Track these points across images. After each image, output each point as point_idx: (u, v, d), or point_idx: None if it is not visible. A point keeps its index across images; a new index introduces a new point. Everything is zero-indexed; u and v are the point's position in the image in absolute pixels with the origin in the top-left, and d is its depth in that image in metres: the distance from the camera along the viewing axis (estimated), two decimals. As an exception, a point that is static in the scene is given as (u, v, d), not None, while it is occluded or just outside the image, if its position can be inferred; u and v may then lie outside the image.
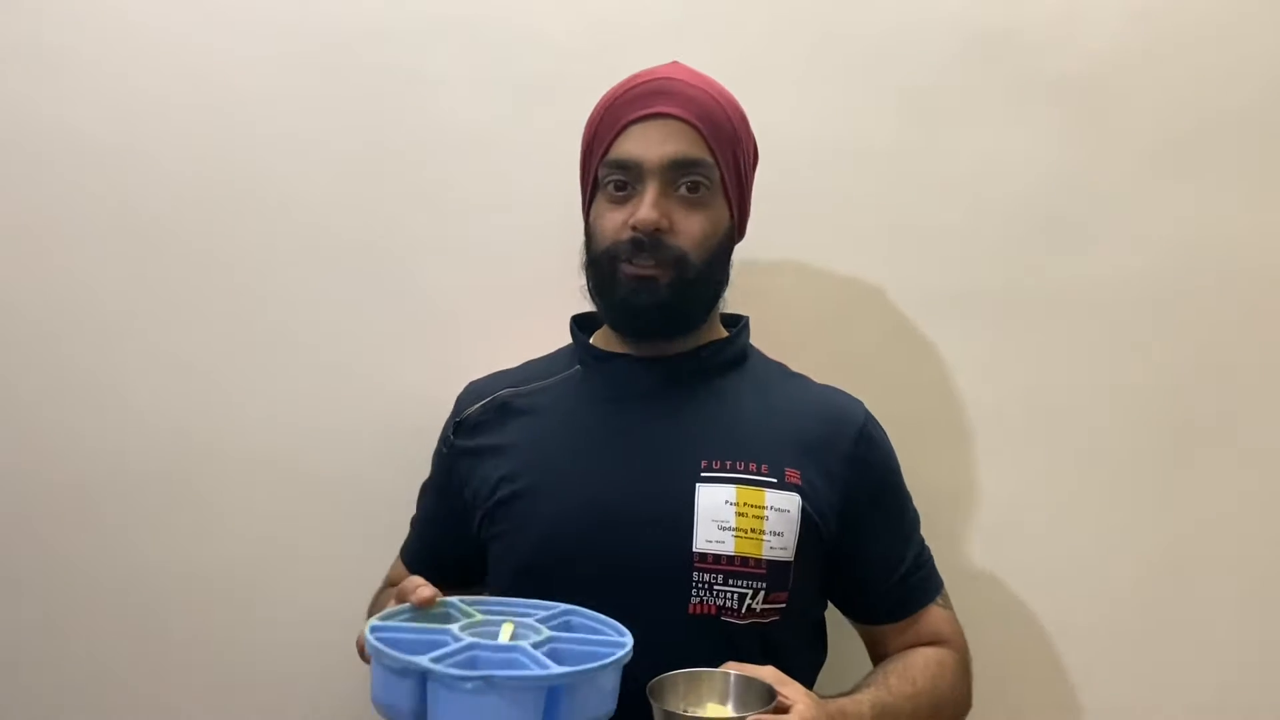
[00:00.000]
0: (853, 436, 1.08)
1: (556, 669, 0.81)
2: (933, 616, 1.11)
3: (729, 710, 0.89)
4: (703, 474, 1.02)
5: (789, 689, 0.90)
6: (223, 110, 1.31)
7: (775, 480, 1.03)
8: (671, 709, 0.86)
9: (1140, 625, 1.30)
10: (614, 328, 1.10)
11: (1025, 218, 1.30)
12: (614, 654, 0.84)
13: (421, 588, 0.93)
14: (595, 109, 1.08)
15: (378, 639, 0.83)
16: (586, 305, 1.11)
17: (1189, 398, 1.29)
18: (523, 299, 1.32)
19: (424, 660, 0.79)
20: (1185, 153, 1.28)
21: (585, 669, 0.81)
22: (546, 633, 0.89)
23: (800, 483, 1.03)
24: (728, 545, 1.00)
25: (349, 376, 1.33)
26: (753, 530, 1.00)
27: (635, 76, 1.07)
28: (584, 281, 1.09)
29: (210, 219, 1.32)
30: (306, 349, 1.33)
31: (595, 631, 0.93)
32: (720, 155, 1.04)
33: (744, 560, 1.00)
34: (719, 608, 0.99)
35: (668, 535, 1.00)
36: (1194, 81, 1.28)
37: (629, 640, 0.88)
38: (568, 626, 0.94)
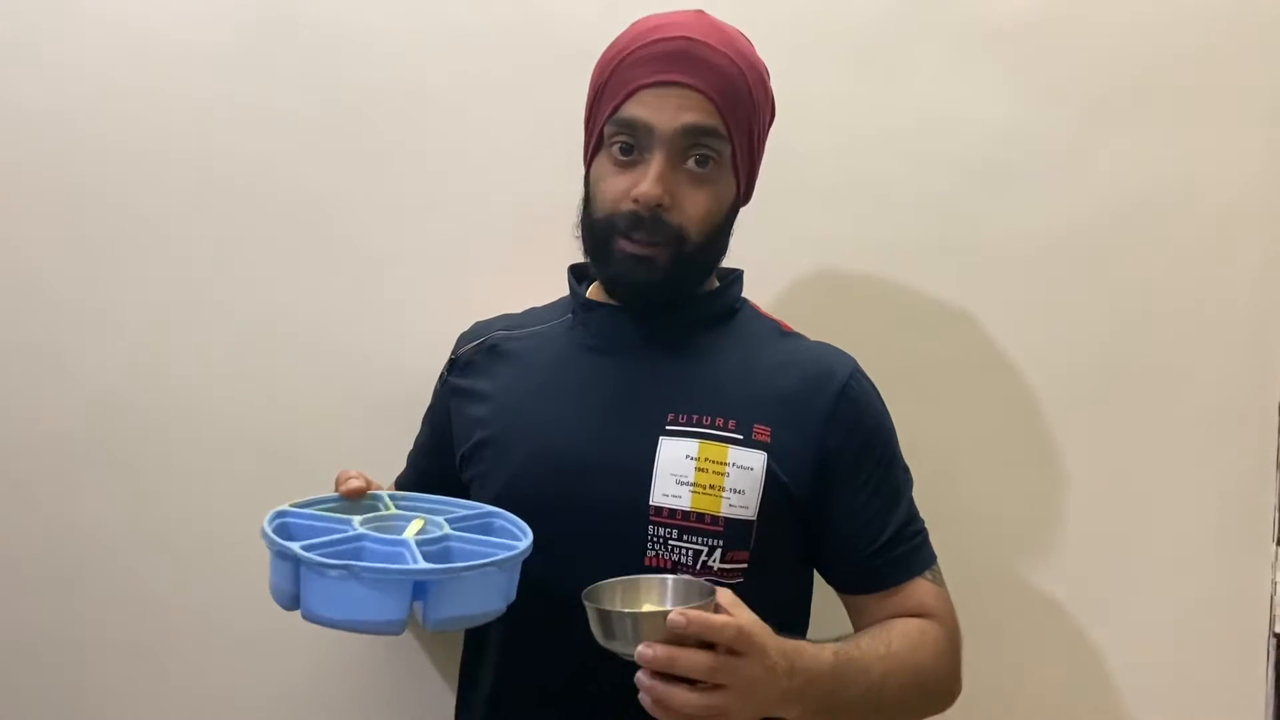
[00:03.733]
0: (834, 393, 1.03)
1: (419, 565, 0.84)
2: (918, 589, 1.03)
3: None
4: (667, 427, 1.01)
5: (740, 611, 0.85)
6: (161, 71, 1.30)
7: (741, 437, 1.00)
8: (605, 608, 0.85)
9: (1075, 569, 1.31)
10: (611, 296, 1.08)
11: (965, 169, 1.30)
12: (494, 555, 0.87)
13: (353, 479, 0.99)
14: (605, 57, 1.04)
15: (273, 524, 0.89)
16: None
17: (1128, 347, 1.30)
18: (469, 258, 1.33)
19: (295, 547, 0.84)
20: (1123, 103, 1.29)
21: (447, 567, 0.85)
22: (447, 529, 0.93)
23: (769, 440, 1.00)
24: (684, 500, 0.98)
25: (287, 339, 1.32)
26: (712, 486, 0.98)
27: (655, 29, 1.01)
28: (578, 234, 1.08)
29: (147, 181, 1.31)
30: (245, 312, 1.32)
31: (510, 535, 0.95)
32: (734, 130, 1.00)
33: (700, 516, 0.98)
34: (674, 563, 0.98)
35: (627, 487, 1.00)
36: (1132, 31, 1.28)
37: (522, 545, 0.90)
38: (488, 529, 0.97)
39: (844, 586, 1.07)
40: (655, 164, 0.98)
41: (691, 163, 0.99)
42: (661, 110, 0.97)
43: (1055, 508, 1.31)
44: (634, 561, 0.98)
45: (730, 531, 0.98)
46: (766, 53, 1.07)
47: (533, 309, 1.19)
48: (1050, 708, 1.31)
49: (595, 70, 1.05)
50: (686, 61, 0.98)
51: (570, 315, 1.13)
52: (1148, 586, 1.30)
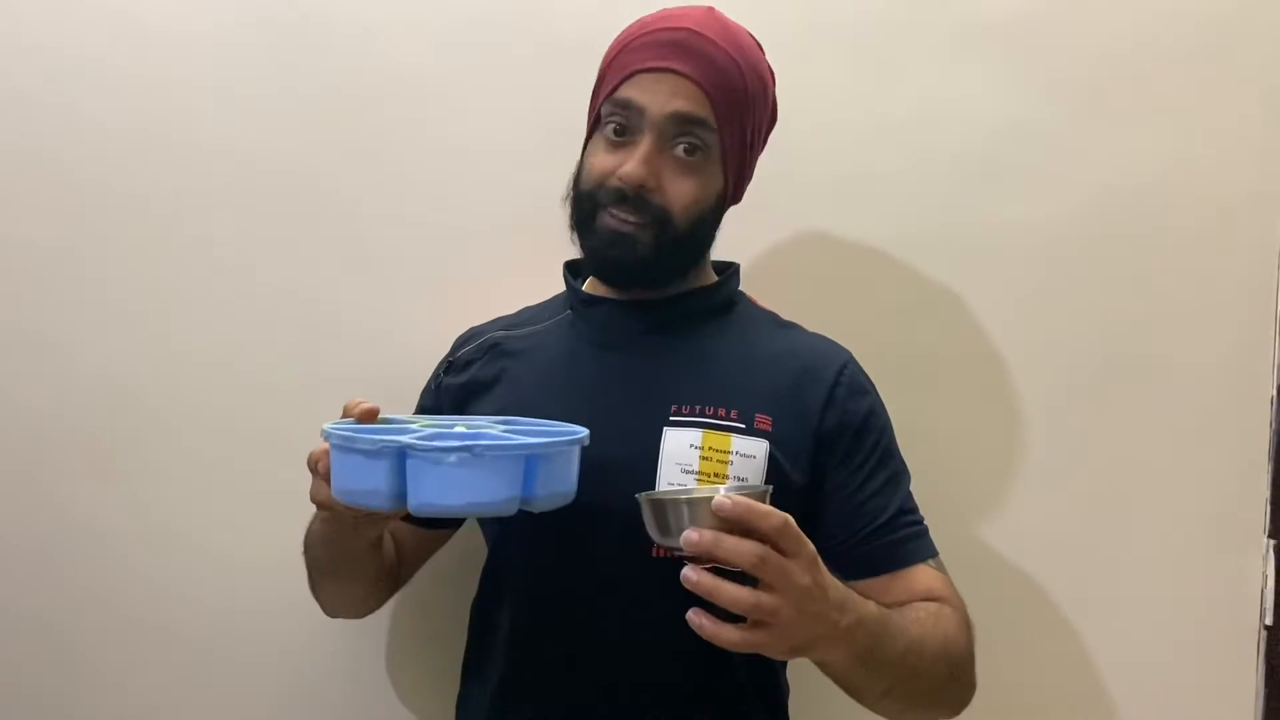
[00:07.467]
0: (830, 382, 1.05)
1: (536, 439, 0.84)
2: (925, 575, 1.02)
3: None
4: (671, 418, 1.01)
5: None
6: (157, 59, 1.29)
7: (743, 426, 1.01)
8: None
9: (1067, 562, 1.32)
10: (592, 273, 1.10)
11: (960, 163, 1.32)
12: (577, 434, 0.89)
13: (364, 403, 0.91)
14: (612, 45, 1.06)
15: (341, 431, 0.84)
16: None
17: (1121, 340, 1.31)
18: (467, 250, 1.32)
19: (404, 438, 0.80)
20: (1120, 97, 1.30)
21: (562, 439, 0.86)
22: (500, 428, 0.92)
23: (771, 429, 1.01)
24: (689, 489, 0.98)
25: (283, 329, 1.31)
26: (716, 475, 0.98)
27: (662, 19, 1.03)
28: (567, 216, 1.08)
29: (145, 171, 1.30)
30: (241, 301, 1.31)
31: (535, 431, 0.95)
32: (725, 124, 1.01)
33: None
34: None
35: (632, 478, 0.98)
36: (1128, 25, 1.30)
37: (583, 430, 0.92)
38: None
39: (847, 571, 1.03)
40: (643, 146, 0.99)
41: (680, 150, 1.01)
42: (654, 94, 1.00)
43: (1048, 499, 1.31)
44: (640, 552, 0.96)
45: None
46: (765, 48, 1.08)
47: (527, 308, 1.18)
48: (1042, 700, 1.31)
49: (603, 57, 1.07)
50: (684, 51, 1.00)
51: (569, 311, 1.13)
52: (1139, 578, 1.31)
